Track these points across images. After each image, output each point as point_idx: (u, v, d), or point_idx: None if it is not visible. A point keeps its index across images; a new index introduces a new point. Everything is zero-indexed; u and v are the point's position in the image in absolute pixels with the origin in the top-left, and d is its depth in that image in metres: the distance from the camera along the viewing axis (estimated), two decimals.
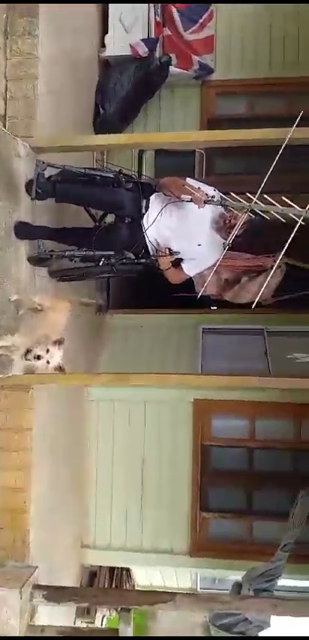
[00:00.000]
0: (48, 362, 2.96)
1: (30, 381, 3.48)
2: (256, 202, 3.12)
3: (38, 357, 2.93)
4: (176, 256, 3.53)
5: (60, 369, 3.02)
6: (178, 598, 3.18)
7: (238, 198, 3.20)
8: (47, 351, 2.96)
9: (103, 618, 5.29)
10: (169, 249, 3.51)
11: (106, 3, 5.39)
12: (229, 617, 3.66)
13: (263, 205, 3.14)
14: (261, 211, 3.17)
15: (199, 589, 5.22)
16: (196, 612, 3.24)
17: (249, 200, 3.21)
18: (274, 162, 3.12)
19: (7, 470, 3.52)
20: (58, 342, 3.02)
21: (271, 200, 3.09)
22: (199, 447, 4.87)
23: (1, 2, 3.65)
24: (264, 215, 3.18)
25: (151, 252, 3.61)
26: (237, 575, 4.49)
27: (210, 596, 3.53)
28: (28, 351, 2.94)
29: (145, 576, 5.31)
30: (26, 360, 2.95)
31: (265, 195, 3.13)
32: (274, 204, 3.09)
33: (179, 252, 3.51)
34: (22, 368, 3.38)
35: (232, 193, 3.23)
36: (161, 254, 3.52)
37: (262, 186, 3.08)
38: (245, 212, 3.18)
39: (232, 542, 4.85)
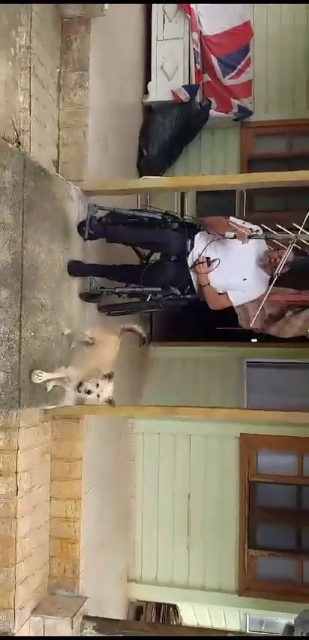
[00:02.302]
0: (98, 395, 3.04)
1: (81, 412, 3.59)
2: (302, 232, 3.16)
3: (89, 392, 3.02)
4: (215, 266, 3.54)
5: (110, 402, 3.10)
6: (230, 636, 3.12)
7: (283, 229, 3.26)
8: (97, 385, 3.05)
9: None
10: (207, 259, 3.55)
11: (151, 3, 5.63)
12: None
13: None
14: (307, 241, 3.20)
15: (247, 631, 5.07)
16: None
17: (293, 232, 3.26)
18: None
19: (59, 499, 3.59)
20: (108, 377, 3.11)
21: None
22: (245, 482, 4.81)
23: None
24: None
25: (196, 288, 3.71)
26: (287, 618, 4.35)
27: (263, 637, 3.42)
28: (80, 384, 3.04)
29: (193, 614, 5.19)
30: (78, 392, 3.05)
31: None
32: None
33: (217, 260, 3.52)
34: (73, 399, 3.51)
35: (278, 225, 3.29)
36: (199, 264, 3.55)
37: (307, 216, 3.13)
38: (292, 243, 3.22)
39: (281, 582, 4.72)
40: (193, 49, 5.55)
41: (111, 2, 4.19)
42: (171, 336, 6.04)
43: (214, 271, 3.56)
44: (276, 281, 3.78)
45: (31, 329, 3.06)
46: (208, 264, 3.54)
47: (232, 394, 5.05)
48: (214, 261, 3.53)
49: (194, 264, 3.58)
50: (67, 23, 3.92)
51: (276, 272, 3.36)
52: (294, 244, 3.24)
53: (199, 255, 3.57)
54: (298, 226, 3.15)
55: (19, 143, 3.36)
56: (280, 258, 3.34)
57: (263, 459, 4.92)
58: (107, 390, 3.06)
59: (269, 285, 3.55)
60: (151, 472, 5.00)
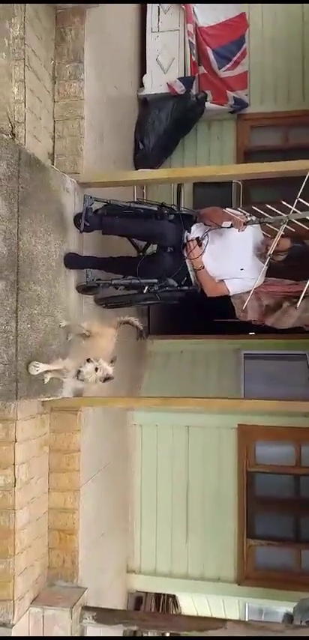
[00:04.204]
0: (96, 369, 3.02)
1: (79, 404, 3.60)
2: (294, 211, 3.14)
3: (88, 360, 3.00)
4: (205, 244, 3.54)
5: (108, 378, 3.07)
6: (229, 625, 3.14)
7: (273, 209, 3.26)
8: (97, 361, 3.04)
9: None
10: (197, 239, 3.54)
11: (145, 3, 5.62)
12: None
13: (300, 213, 3.16)
14: (299, 220, 3.19)
15: (247, 620, 5.10)
16: None
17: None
18: (302, 189, 3.14)
19: (57, 490, 3.60)
20: (111, 361, 3.12)
21: (306, 204, 3.10)
22: (244, 473, 4.83)
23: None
24: (302, 225, 3.20)
25: (193, 279, 3.71)
26: (285, 607, 4.38)
27: (262, 624, 3.45)
28: (79, 372, 3.04)
29: (192, 604, 5.23)
30: (78, 379, 3.05)
31: (300, 200, 3.13)
32: None
33: (206, 237, 3.51)
34: (71, 391, 3.52)
35: (268, 205, 3.28)
36: (190, 245, 3.54)
37: (298, 195, 3.10)
38: (283, 223, 3.22)
39: (280, 571, 4.75)
40: (189, 40, 5.54)
41: (106, 2, 4.20)
42: (169, 329, 6.05)
43: (210, 257, 3.55)
44: (274, 272, 3.78)
45: (27, 321, 3.06)
46: (199, 245, 3.53)
47: (230, 386, 5.06)
48: (203, 238, 3.51)
49: (184, 247, 3.55)
50: (61, 14, 3.90)
51: (268, 253, 3.35)
52: (286, 225, 3.22)
53: (188, 239, 3.56)
54: (289, 205, 3.13)
55: (13, 135, 3.35)
56: (277, 245, 3.34)
57: (261, 449, 4.93)
58: (106, 367, 3.05)
59: (264, 270, 3.55)
60: (149, 464, 5.01)
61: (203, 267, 3.59)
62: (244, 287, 3.67)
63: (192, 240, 3.55)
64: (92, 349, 3.26)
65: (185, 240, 3.63)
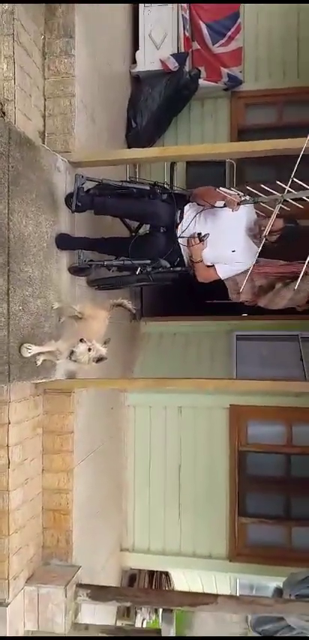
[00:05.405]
0: (89, 349, 3.01)
1: (72, 386, 3.60)
2: (289, 191, 3.09)
3: (81, 341, 2.99)
4: (205, 239, 3.54)
5: (101, 358, 3.06)
6: (220, 600, 3.21)
7: (268, 189, 3.22)
8: (91, 341, 3.03)
9: (142, 621, 5.34)
10: (199, 235, 3.53)
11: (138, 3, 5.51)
12: (271, 622, 3.65)
13: (295, 192, 3.12)
14: (293, 200, 3.15)
15: (238, 595, 5.21)
16: (238, 615, 3.22)
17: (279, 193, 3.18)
18: (296, 167, 3.09)
19: (51, 471, 3.63)
20: (104, 342, 3.12)
21: (301, 183, 3.05)
22: (235, 452, 4.90)
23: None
24: (297, 204, 3.16)
25: (186, 260, 3.69)
26: (275, 582, 4.47)
27: (252, 599, 3.53)
28: (72, 352, 3.03)
29: (184, 580, 5.33)
30: (72, 359, 3.04)
31: (295, 179, 3.06)
32: (307, 188, 3.04)
33: (208, 234, 3.52)
34: (64, 373, 3.52)
35: (262, 185, 3.24)
36: (191, 243, 3.55)
37: (293, 173, 3.05)
38: (278, 203, 3.19)
39: (271, 548, 4.84)
40: (182, 15, 5.43)
41: (98, 2, 4.09)
42: (161, 311, 6.05)
43: (206, 245, 3.54)
44: (266, 252, 3.77)
45: (19, 303, 3.04)
46: (200, 240, 3.52)
47: (223, 367, 5.09)
48: (205, 235, 3.51)
49: (177, 227, 3.56)
50: None
51: (263, 234, 3.33)
52: (280, 204, 3.18)
53: (189, 231, 3.55)
54: (283, 185, 3.09)
55: (3, 113, 3.29)
56: (271, 225, 3.31)
57: (253, 429, 4.99)
58: (99, 347, 3.04)
59: (258, 251, 3.53)
60: (142, 444, 5.06)
61: (201, 261, 3.58)
62: (234, 271, 3.66)
63: (193, 236, 3.52)
64: (85, 331, 3.25)
65: (178, 220, 3.60)
